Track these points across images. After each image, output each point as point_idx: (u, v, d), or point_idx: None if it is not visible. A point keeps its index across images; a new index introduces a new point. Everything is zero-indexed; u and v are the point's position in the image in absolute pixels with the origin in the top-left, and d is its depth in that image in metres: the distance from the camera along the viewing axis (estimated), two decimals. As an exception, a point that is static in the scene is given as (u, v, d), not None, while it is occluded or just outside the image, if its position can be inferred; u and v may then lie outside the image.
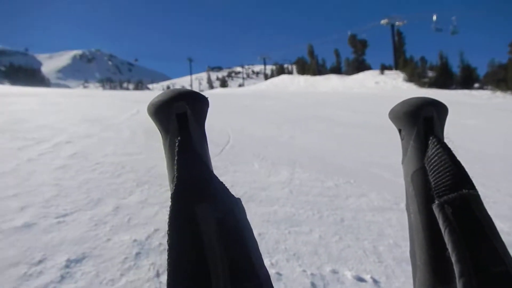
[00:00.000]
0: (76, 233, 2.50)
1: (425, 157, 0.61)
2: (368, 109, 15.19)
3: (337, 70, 54.36)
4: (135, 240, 2.50)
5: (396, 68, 43.88)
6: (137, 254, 2.33)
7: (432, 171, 0.59)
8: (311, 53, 56.59)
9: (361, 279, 2.27)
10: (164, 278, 2.09)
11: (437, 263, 0.56)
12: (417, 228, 0.60)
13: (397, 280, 2.28)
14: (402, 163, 0.67)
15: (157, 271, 2.16)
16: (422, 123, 0.63)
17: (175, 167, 0.54)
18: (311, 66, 55.12)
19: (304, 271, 2.31)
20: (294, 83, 50.30)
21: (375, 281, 2.26)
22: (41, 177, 3.60)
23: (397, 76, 40.33)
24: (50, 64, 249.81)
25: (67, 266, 2.08)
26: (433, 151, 0.60)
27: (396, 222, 3.28)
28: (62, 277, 1.97)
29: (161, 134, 0.60)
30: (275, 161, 5.38)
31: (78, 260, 2.15)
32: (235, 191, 3.69)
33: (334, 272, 2.33)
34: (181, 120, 0.58)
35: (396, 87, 36.38)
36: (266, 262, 2.36)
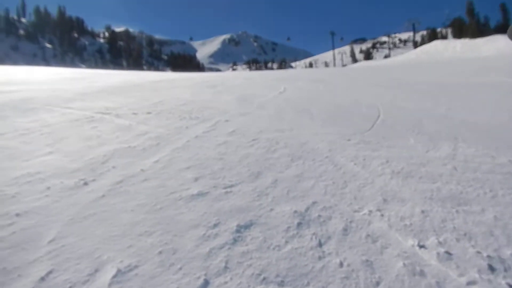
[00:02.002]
0: (243, 202, 2.76)
1: None
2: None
3: (503, 29, 45.87)
4: (295, 211, 2.62)
5: None
6: (299, 224, 2.45)
7: None
8: (471, 11, 49.17)
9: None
10: (326, 247, 2.16)
11: None
12: None
13: None
14: None
15: (319, 241, 2.23)
16: None
17: None
18: (470, 27, 48.04)
19: (479, 252, 2.10)
20: (449, 49, 44.79)
21: None
22: (208, 152, 4.07)
23: None
24: (204, 50, 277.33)
25: (237, 231, 2.32)
26: None
27: None
28: (235, 240, 2.22)
29: None
30: (433, 136, 4.93)
31: (246, 226, 2.39)
32: (390, 168, 3.55)
33: (519, 257, 2.05)
34: None
35: None
36: (432, 240, 2.21)
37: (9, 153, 3.84)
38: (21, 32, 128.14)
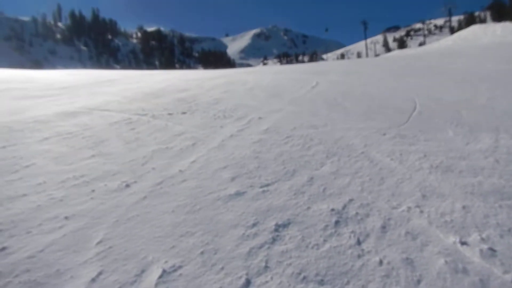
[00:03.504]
0: (280, 201, 2.81)
1: None
2: None
3: None
4: (332, 209, 2.65)
5: None
6: (336, 222, 2.47)
7: None
8: (511, -8, 46.77)
9: None
10: (365, 245, 2.17)
11: None
12: None
13: None
14: None
15: (358, 239, 2.25)
16: None
17: None
18: (511, 9, 45.55)
19: (526, 249, 2.05)
20: (488, 34, 42.69)
21: None
22: (243, 150, 4.14)
23: None
24: (234, 45, 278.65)
25: (276, 230, 2.38)
26: None
27: None
28: (274, 239, 2.28)
29: None
30: (473, 127, 4.79)
31: (285, 225, 2.44)
32: (428, 162, 3.49)
33: None
34: None
35: None
36: (475, 237, 2.18)
37: (54, 157, 4.06)
38: (58, 36, 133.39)
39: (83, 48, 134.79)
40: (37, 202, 2.91)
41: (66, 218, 2.63)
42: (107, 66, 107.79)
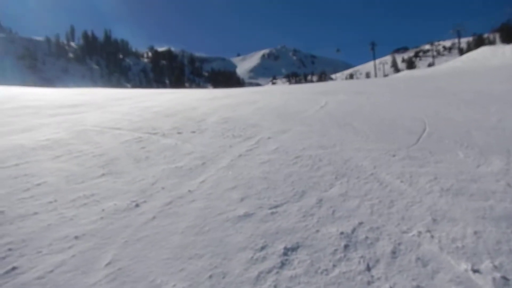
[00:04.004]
0: (289, 223, 2.80)
1: None
2: None
3: None
4: (342, 233, 2.63)
5: None
6: (346, 246, 2.45)
7: None
8: (522, 14, 47.05)
9: None
10: (375, 271, 2.14)
11: None
12: None
13: None
14: None
15: (367, 265, 2.22)
16: None
17: None
18: (519, 32, 45.83)
19: (541, 278, 2.01)
20: (498, 55, 42.70)
21: None
22: (252, 171, 4.15)
23: None
24: (243, 65, 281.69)
25: (285, 254, 2.36)
26: None
27: None
28: (282, 264, 2.26)
29: None
30: (484, 149, 4.75)
31: (293, 249, 2.42)
32: (439, 185, 3.46)
33: None
34: None
35: None
36: (487, 264, 2.14)
37: (65, 176, 4.11)
38: (71, 55, 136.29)
39: (95, 67, 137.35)
40: (47, 221, 2.93)
41: (76, 237, 2.65)
42: (118, 84, 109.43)
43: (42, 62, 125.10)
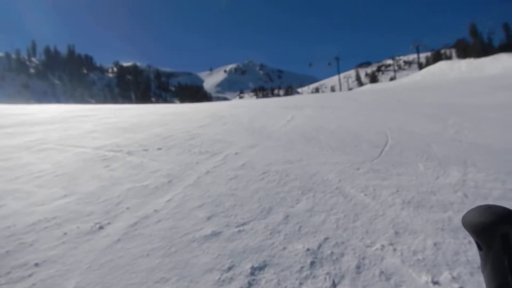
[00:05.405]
0: (255, 241, 2.79)
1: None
2: None
3: (508, 47, 46.43)
4: (308, 249, 2.65)
5: None
6: (312, 263, 2.47)
7: None
8: (474, 32, 50.00)
9: None
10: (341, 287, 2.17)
11: None
12: None
13: None
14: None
15: (333, 281, 2.25)
16: (499, 241, 0.63)
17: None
18: (474, 47, 48.64)
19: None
20: (454, 69, 45.08)
21: None
22: (219, 187, 4.13)
23: None
24: (210, 80, 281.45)
25: (252, 274, 2.35)
26: None
27: None
28: (250, 284, 2.25)
29: (480, 246, 0.67)
30: (442, 161, 4.96)
31: (260, 268, 2.42)
32: (401, 197, 3.57)
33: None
34: (506, 241, 0.63)
35: None
36: (446, 275, 2.21)
37: (25, 197, 3.93)
38: (32, 70, 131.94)
39: (57, 82, 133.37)
40: (5, 247, 2.79)
41: (36, 265, 2.53)
42: (82, 100, 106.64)
43: (2, 78, 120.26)
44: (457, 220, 3.04)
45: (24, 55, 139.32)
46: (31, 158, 5.70)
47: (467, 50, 50.60)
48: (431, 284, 2.16)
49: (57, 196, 3.98)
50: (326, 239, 2.81)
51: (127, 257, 2.61)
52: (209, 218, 3.28)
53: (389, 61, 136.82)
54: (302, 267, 2.41)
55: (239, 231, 2.99)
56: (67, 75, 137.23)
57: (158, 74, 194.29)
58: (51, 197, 3.93)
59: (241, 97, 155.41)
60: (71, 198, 3.90)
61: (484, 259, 0.66)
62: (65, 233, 3.02)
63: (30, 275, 2.40)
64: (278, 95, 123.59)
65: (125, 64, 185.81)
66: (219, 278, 2.30)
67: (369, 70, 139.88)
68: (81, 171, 4.95)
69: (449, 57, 60.04)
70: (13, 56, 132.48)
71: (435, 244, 2.65)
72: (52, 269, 2.46)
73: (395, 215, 3.22)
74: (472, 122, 8.08)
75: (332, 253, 2.59)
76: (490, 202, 3.40)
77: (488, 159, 4.94)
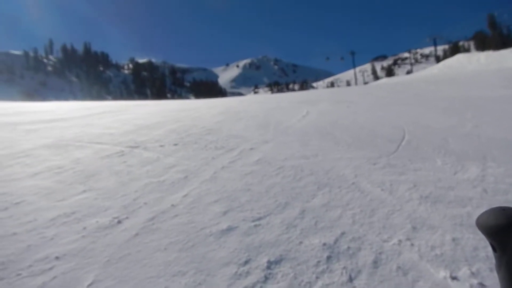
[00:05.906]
0: (272, 236, 2.81)
1: None
2: None
3: None
4: (324, 244, 2.65)
5: None
6: (328, 257, 2.47)
7: None
8: (493, 24, 48.75)
9: None
10: (357, 282, 2.17)
11: None
12: None
13: None
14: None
15: (350, 276, 2.24)
16: None
17: None
18: (493, 39, 47.46)
19: (519, 284, 2.05)
20: (472, 62, 44.08)
21: None
22: (235, 183, 4.15)
23: None
24: (225, 75, 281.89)
25: (268, 267, 2.37)
26: None
27: None
28: (266, 278, 2.26)
29: (495, 248, 0.68)
30: (460, 156, 4.88)
31: (277, 262, 2.43)
32: (418, 192, 3.53)
33: None
34: None
35: None
36: (464, 271, 2.18)
37: (45, 193, 4.02)
38: (49, 68, 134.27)
39: (74, 79, 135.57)
40: (27, 241, 2.87)
41: (56, 258, 2.59)
42: (99, 97, 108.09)
43: (20, 76, 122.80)
44: (476, 215, 2.99)
45: (41, 53, 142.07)
46: (50, 154, 5.81)
47: (485, 42, 49.55)
48: (449, 280, 2.14)
49: (76, 191, 4.06)
50: (342, 234, 2.80)
51: (145, 251, 2.66)
52: (225, 213, 3.30)
53: (406, 54, 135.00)
54: (318, 262, 2.41)
55: (255, 226, 3.00)
56: (84, 72, 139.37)
57: (173, 70, 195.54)
58: (70, 193, 4.02)
59: (255, 92, 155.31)
60: (90, 194, 3.97)
61: (499, 260, 0.66)
62: (84, 228, 3.09)
63: (50, 268, 2.46)
64: (293, 90, 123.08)
65: (141, 60, 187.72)
66: (236, 272, 2.32)
67: (385, 63, 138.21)
68: (99, 167, 5.03)
69: (467, 50, 58.87)
70: (31, 54, 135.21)
71: (453, 239, 2.62)
72: (72, 262, 2.52)
73: (412, 210, 3.19)
74: (490, 116, 7.92)
75: (348, 247, 2.58)
76: (510, 197, 3.35)
77: (508, 154, 4.85)
